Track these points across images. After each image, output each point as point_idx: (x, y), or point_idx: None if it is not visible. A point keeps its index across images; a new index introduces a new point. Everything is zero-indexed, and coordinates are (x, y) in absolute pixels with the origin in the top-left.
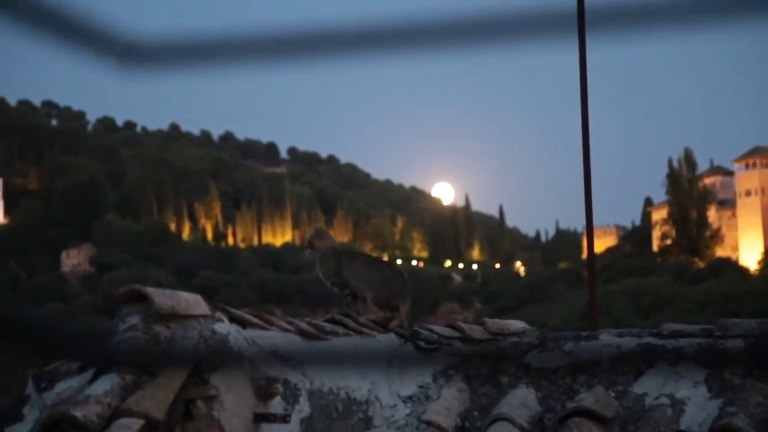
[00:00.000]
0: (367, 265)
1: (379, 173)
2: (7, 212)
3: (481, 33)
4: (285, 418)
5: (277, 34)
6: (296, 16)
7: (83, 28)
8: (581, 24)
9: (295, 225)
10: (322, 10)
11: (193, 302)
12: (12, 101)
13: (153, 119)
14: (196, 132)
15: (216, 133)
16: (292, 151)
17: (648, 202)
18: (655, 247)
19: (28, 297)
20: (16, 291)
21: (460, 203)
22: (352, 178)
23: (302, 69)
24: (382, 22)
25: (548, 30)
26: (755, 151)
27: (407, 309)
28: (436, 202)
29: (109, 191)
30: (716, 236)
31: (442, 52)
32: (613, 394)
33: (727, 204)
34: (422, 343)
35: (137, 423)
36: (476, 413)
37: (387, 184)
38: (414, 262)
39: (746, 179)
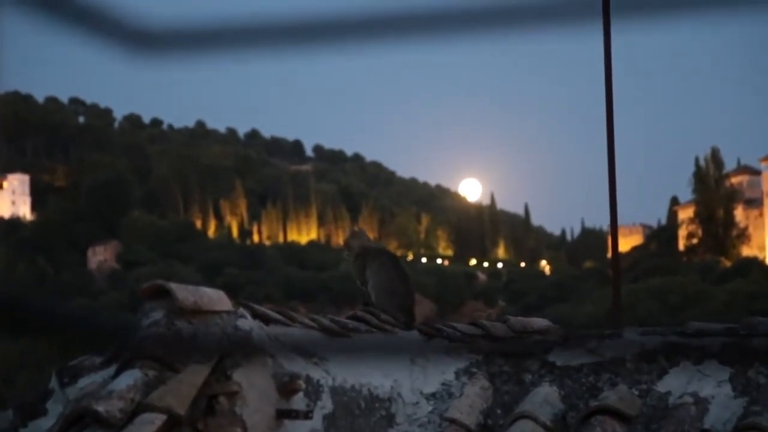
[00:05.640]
0: (383, 271)
1: (404, 171)
2: (34, 209)
3: (505, 22)
4: (307, 415)
5: (300, 21)
6: (322, 2)
7: (96, 14)
8: (606, 18)
9: (321, 223)
10: None
11: (216, 298)
12: (39, 98)
13: (179, 116)
14: (222, 129)
15: (242, 130)
16: (317, 148)
17: (674, 201)
18: (681, 246)
19: (54, 293)
20: (42, 287)
21: (486, 201)
22: (377, 176)
23: (328, 60)
24: (408, 10)
25: (572, 21)
26: None
27: (403, 320)
28: (461, 200)
29: (136, 188)
30: (743, 235)
31: (468, 42)
32: (637, 393)
33: (754, 203)
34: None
35: (159, 418)
36: (499, 411)
37: (412, 182)
38: (439, 261)
39: None
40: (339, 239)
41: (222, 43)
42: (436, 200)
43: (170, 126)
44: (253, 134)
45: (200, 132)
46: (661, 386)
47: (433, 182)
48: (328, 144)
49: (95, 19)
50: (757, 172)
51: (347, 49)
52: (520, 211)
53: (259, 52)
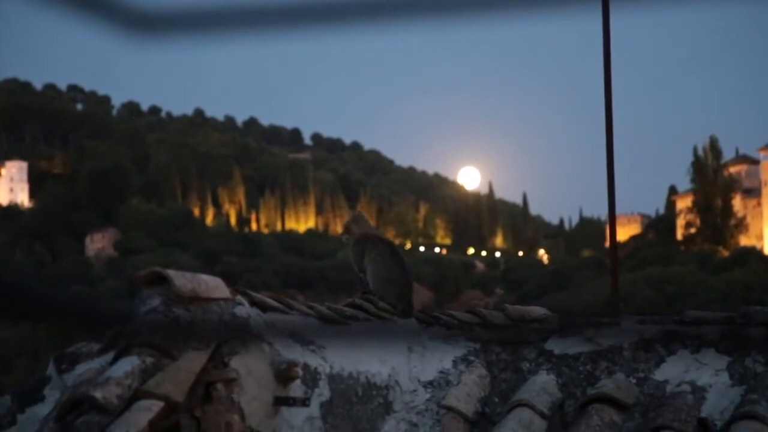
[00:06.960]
0: (381, 258)
1: (402, 160)
2: (32, 196)
3: (505, 7)
4: (305, 402)
5: (299, 5)
6: None
7: None
8: (605, 4)
9: (319, 211)
10: None
11: (213, 285)
12: (38, 85)
13: (178, 104)
14: (220, 117)
15: (240, 118)
16: (315, 137)
17: (672, 191)
18: (679, 235)
19: (52, 280)
20: (40, 274)
21: (484, 190)
22: (375, 164)
23: (326, 47)
24: None
25: (571, 7)
26: None
27: (401, 308)
28: (459, 189)
29: (134, 176)
30: (741, 225)
31: (468, 28)
32: (634, 381)
33: (753, 193)
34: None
35: (157, 405)
36: (496, 399)
37: (410, 171)
38: (437, 249)
39: None
40: (337, 227)
41: (220, 26)
42: (435, 189)
43: (169, 114)
44: (252, 122)
45: (199, 120)
46: (659, 375)
47: (431, 171)
48: (327, 132)
49: (93, 3)
50: (755, 162)
51: (346, 35)
52: (519, 200)
53: (258, 37)
